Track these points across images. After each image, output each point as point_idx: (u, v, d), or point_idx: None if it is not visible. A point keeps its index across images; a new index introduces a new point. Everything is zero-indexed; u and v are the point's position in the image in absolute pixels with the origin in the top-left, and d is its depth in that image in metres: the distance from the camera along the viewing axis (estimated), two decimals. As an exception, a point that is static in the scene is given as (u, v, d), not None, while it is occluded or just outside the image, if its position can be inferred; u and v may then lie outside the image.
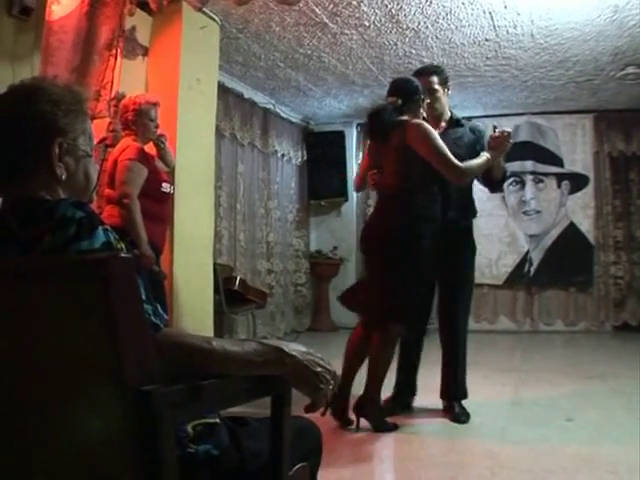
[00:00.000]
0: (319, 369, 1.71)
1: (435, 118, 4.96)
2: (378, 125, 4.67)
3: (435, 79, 5.01)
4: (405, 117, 4.58)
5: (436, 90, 5.00)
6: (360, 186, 5.43)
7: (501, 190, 5.42)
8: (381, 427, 4.58)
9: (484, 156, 4.63)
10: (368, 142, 5.08)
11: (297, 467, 1.88)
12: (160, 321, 1.61)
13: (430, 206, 4.60)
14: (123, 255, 1.44)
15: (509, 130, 4.78)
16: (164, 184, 4.93)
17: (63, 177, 1.72)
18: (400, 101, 4.58)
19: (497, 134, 4.71)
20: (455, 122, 5.20)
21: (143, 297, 1.56)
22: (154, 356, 1.40)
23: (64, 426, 1.41)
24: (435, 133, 4.54)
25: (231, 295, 7.25)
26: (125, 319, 1.31)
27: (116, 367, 1.30)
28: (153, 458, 1.31)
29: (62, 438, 1.42)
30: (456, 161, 4.45)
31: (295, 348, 1.71)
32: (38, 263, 1.48)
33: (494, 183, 5.13)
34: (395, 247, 4.47)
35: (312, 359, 1.72)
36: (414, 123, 4.52)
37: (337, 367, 1.76)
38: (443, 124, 5.10)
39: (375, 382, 4.62)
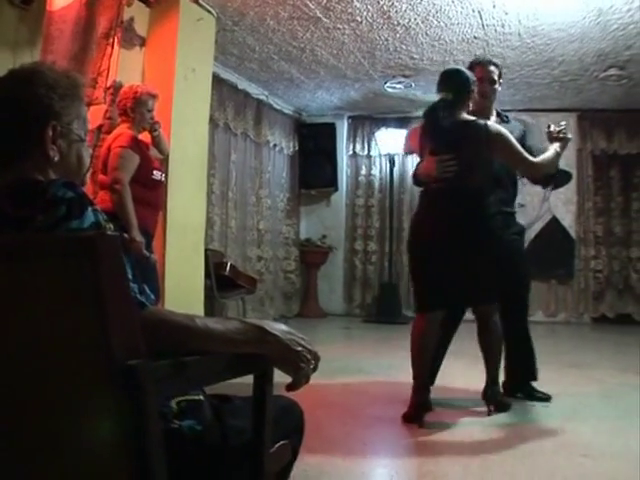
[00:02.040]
0: (300, 348, 1.71)
1: (486, 110, 4.87)
2: (435, 123, 4.51)
3: (496, 70, 4.97)
4: (464, 115, 4.50)
5: (496, 81, 4.96)
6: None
7: (550, 185, 5.36)
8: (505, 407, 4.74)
9: (553, 149, 4.65)
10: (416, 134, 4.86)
11: (278, 445, 1.88)
12: (146, 299, 1.62)
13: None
14: (110, 234, 1.51)
15: (565, 123, 4.88)
16: (155, 171, 5.02)
17: (55, 159, 1.74)
18: (451, 95, 4.45)
19: (557, 129, 4.76)
20: (502, 117, 5.19)
21: (129, 276, 1.57)
22: (139, 332, 1.39)
23: (50, 400, 1.42)
24: (510, 134, 4.54)
25: (222, 280, 7.37)
26: (112, 295, 1.32)
27: (102, 341, 1.30)
28: (138, 431, 1.31)
29: (48, 412, 1.43)
30: (533, 158, 4.51)
31: (277, 327, 1.71)
32: (27, 242, 1.47)
33: (548, 178, 5.07)
34: (491, 236, 4.50)
35: (293, 338, 1.71)
36: (496, 130, 4.46)
37: (322, 353, 1.81)
38: (493, 118, 5.01)
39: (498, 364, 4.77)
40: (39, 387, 1.42)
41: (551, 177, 5.06)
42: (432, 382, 4.88)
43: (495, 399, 4.70)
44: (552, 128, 4.79)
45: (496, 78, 4.97)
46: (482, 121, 4.47)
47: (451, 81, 4.53)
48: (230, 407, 1.91)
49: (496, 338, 4.70)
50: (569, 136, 4.79)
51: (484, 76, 4.84)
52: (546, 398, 5.01)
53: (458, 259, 4.41)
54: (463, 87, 4.51)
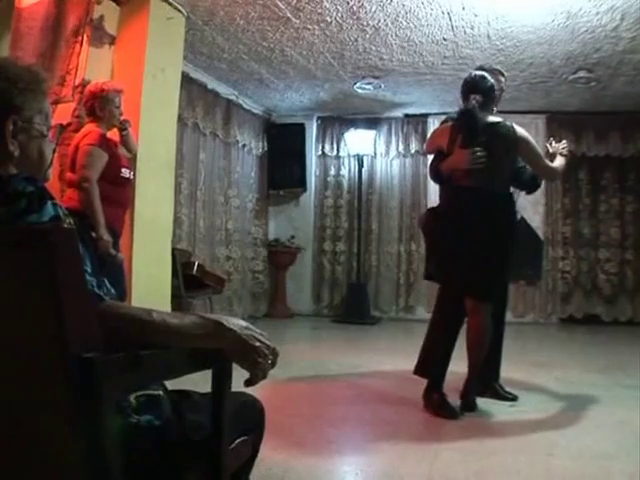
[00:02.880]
0: (258, 344, 1.72)
1: None
2: (473, 124, 4.79)
3: (503, 80, 5.25)
4: (496, 117, 4.84)
5: (504, 90, 5.26)
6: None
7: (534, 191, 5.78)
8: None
9: (559, 162, 5.09)
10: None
11: (238, 441, 1.93)
12: (106, 293, 1.66)
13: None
14: (66, 226, 1.53)
15: (565, 141, 5.30)
16: (124, 169, 5.00)
17: (16, 154, 1.73)
18: (481, 98, 4.79)
19: (561, 146, 5.18)
20: None
21: (88, 269, 1.62)
22: (96, 325, 1.41)
23: (5, 390, 1.43)
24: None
25: (189, 280, 7.37)
26: (67, 287, 1.33)
27: (58, 334, 1.31)
28: (94, 424, 1.33)
29: (1, 403, 1.43)
30: (551, 164, 4.98)
31: (235, 322, 1.73)
32: None
33: (536, 185, 5.45)
34: (509, 233, 4.84)
35: (251, 334, 1.73)
36: (522, 132, 4.81)
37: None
38: None
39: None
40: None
41: (538, 185, 5.49)
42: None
43: (465, 397, 4.81)
44: (554, 144, 5.26)
45: (504, 87, 5.29)
46: (509, 122, 4.81)
47: (480, 86, 4.86)
48: (189, 402, 1.93)
49: (488, 338, 4.84)
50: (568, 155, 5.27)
51: (504, 88, 5.18)
52: (512, 398, 5.06)
53: (476, 252, 4.69)
54: (490, 91, 4.88)
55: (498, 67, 5.43)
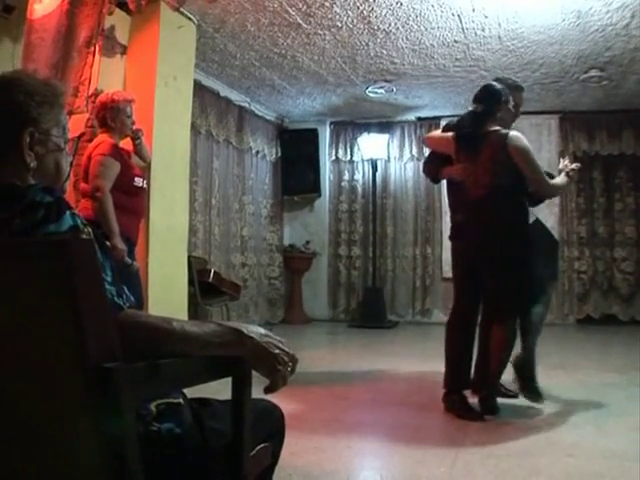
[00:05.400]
0: (277, 351, 1.72)
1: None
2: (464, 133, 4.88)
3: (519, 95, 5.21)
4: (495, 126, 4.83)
5: (520, 105, 5.18)
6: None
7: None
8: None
9: (564, 179, 5.04)
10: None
11: (259, 448, 1.90)
12: (123, 302, 1.63)
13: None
14: (85, 237, 1.54)
15: (579, 164, 5.23)
16: (136, 178, 5.00)
17: (32, 165, 1.74)
18: (480, 107, 4.80)
19: (570, 167, 5.07)
20: None
21: (108, 278, 1.61)
22: (115, 335, 1.40)
23: (26, 402, 1.43)
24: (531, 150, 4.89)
25: (205, 287, 7.38)
26: (86, 298, 1.33)
27: (78, 344, 1.31)
28: (114, 434, 1.33)
29: (23, 414, 1.43)
30: (549, 179, 4.87)
31: (254, 330, 1.73)
32: (2, 244, 1.51)
33: (539, 200, 5.36)
34: (519, 244, 4.75)
35: (270, 341, 1.73)
36: (517, 141, 4.75)
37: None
38: None
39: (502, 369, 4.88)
40: (14, 389, 1.43)
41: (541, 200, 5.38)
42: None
43: (486, 400, 4.81)
44: (566, 162, 5.17)
45: (520, 102, 5.19)
46: (505, 131, 4.74)
47: (479, 95, 4.85)
48: (210, 410, 1.91)
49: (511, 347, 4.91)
50: (575, 178, 5.33)
51: (519, 103, 5.08)
52: (513, 395, 5.10)
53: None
54: (492, 99, 4.79)
55: (514, 79, 5.40)
